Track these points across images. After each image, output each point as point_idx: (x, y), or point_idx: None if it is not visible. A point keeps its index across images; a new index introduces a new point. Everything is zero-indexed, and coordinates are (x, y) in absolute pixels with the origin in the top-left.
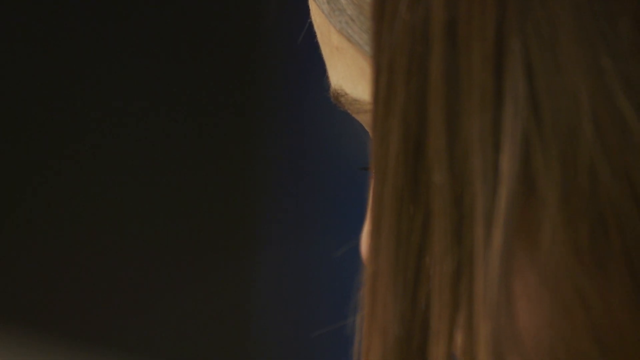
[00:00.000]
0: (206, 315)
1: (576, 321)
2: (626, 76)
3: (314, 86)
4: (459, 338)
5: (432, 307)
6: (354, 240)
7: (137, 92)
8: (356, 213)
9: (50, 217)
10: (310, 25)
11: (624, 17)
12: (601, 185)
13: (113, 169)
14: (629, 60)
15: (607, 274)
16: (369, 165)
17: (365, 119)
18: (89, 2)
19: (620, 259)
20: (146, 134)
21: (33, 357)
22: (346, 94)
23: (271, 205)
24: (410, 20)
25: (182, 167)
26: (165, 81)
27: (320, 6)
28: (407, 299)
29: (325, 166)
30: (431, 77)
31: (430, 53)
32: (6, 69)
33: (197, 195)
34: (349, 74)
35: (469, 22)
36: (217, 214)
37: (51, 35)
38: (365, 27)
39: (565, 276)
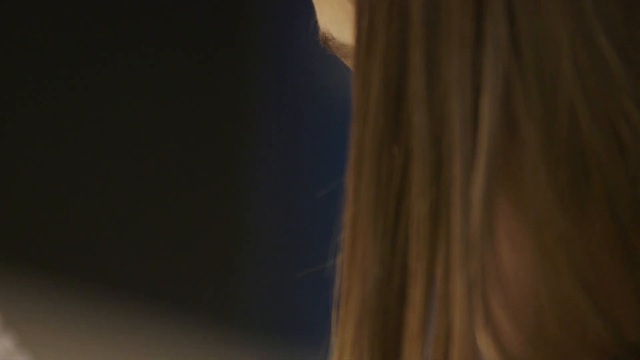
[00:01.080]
0: (190, 254)
1: (559, 265)
2: (606, 17)
3: (304, 30)
4: (438, 280)
5: (411, 248)
6: (336, 181)
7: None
8: (341, 154)
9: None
10: None
11: None
12: (581, 127)
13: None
14: (609, 0)
15: (589, 218)
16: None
17: (352, 63)
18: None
19: (601, 202)
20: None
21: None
22: (333, 38)
23: (256, 147)
24: None
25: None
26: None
27: None
28: (387, 241)
29: (310, 109)
30: (411, 19)
31: None
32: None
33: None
34: (336, 18)
35: None
36: (203, 156)
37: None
38: None
39: (548, 220)
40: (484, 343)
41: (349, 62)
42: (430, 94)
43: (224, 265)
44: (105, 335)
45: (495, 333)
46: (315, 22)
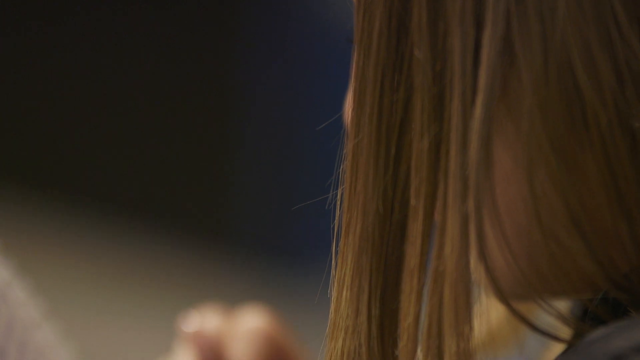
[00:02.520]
0: (189, 181)
1: (552, 206)
2: None
3: None
4: (436, 215)
5: (412, 183)
6: (338, 113)
7: None
8: (343, 86)
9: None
10: None
11: None
12: (576, 71)
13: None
14: None
15: (584, 162)
16: (354, 39)
17: None
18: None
19: (597, 149)
20: None
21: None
22: None
23: (256, 79)
24: None
25: None
26: None
27: None
28: (388, 175)
29: (312, 43)
30: None
31: None
32: None
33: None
34: None
35: None
36: (199, 85)
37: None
38: None
39: (541, 160)
40: (478, 277)
41: None
42: (432, 29)
43: (223, 194)
44: (101, 251)
45: (489, 267)
46: None
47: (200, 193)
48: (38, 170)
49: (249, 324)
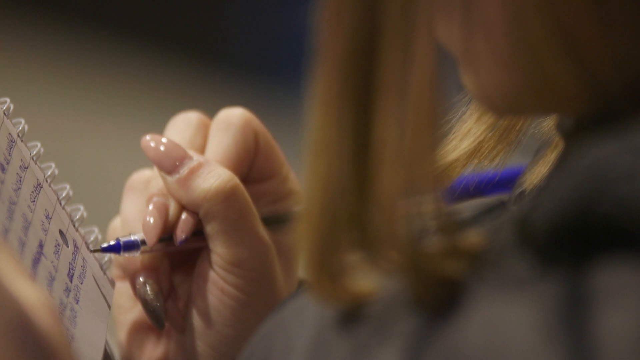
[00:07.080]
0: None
1: (533, 20)
2: None
3: None
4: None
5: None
6: None
7: None
8: None
9: None
10: None
11: None
12: None
13: None
14: None
15: None
16: None
17: None
18: None
19: None
20: None
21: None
22: None
23: None
24: None
25: None
26: None
27: None
28: None
29: None
30: None
31: None
32: None
33: None
34: None
35: None
36: None
37: None
38: None
39: None
40: (466, 81)
41: None
42: None
43: (212, 13)
44: (95, 73)
45: (480, 81)
46: None
47: (189, 10)
48: None
49: (228, 115)
